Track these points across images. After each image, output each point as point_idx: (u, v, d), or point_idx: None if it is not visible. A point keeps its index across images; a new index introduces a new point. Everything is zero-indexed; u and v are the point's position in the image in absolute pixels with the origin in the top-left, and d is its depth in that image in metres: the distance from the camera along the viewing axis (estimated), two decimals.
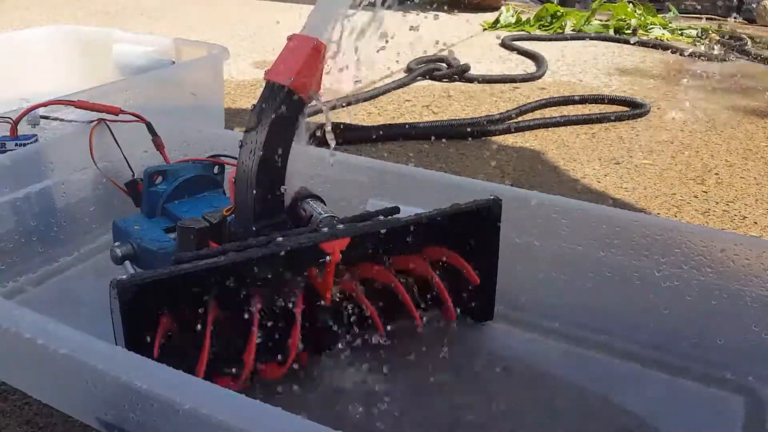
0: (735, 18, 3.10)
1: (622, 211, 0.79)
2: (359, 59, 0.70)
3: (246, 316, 0.67)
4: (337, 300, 0.72)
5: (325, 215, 0.74)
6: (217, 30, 2.54)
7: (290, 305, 0.68)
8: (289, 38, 0.71)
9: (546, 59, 2.14)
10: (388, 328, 0.75)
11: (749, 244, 0.72)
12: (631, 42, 2.41)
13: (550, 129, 1.58)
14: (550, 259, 0.81)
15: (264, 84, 0.72)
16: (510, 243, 0.80)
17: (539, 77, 2.00)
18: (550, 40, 2.52)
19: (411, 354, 0.75)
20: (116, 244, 0.83)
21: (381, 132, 1.47)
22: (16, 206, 0.86)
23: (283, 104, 0.70)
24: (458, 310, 0.78)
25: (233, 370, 0.66)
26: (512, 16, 2.77)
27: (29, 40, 1.55)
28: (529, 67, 2.13)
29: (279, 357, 0.68)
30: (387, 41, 0.70)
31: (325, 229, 0.69)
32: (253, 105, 0.72)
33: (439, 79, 1.94)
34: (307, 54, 0.70)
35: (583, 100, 1.77)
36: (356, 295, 0.73)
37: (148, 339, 0.61)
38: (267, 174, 0.72)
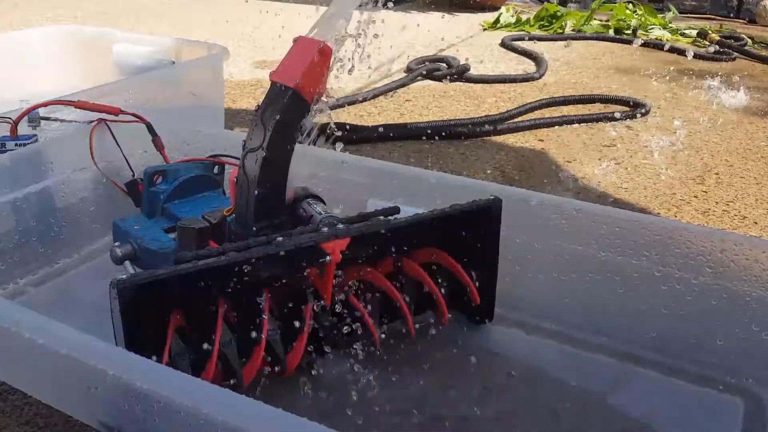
0: (730, 15, 3.10)
1: (622, 211, 0.79)
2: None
3: (245, 315, 0.67)
4: (338, 301, 0.72)
5: (325, 215, 0.74)
6: (217, 30, 2.54)
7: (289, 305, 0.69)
8: (296, 40, 0.72)
9: (546, 59, 2.14)
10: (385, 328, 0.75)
11: (749, 244, 0.72)
12: (633, 44, 2.41)
13: (550, 129, 1.58)
14: (550, 259, 0.81)
15: (268, 84, 0.72)
16: (510, 243, 0.80)
17: (539, 77, 2.00)
18: (550, 40, 2.52)
19: (411, 355, 0.75)
20: (116, 244, 0.83)
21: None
22: (16, 206, 0.86)
23: (288, 105, 0.70)
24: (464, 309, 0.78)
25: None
26: (512, 16, 2.77)
27: (29, 40, 1.55)
28: (530, 67, 2.13)
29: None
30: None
31: (325, 229, 0.69)
32: (257, 105, 0.72)
33: (439, 79, 1.94)
34: (313, 56, 0.70)
35: (582, 101, 1.77)
36: (359, 294, 0.73)
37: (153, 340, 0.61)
38: (269, 174, 0.72)
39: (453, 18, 2.94)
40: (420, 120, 1.60)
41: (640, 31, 2.60)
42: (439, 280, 0.76)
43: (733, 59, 2.30)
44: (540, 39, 2.52)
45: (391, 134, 1.47)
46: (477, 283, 0.77)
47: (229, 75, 1.89)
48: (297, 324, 0.68)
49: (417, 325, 0.75)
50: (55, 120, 0.98)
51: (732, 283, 0.72)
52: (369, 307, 0.73)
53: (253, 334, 0.66)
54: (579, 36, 2.56)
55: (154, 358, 0.57)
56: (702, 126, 1.64)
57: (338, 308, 0.71)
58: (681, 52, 2.34)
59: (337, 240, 0.68)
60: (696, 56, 2.31)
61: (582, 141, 1.51)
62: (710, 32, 2.53)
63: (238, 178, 0.73)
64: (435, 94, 1.82)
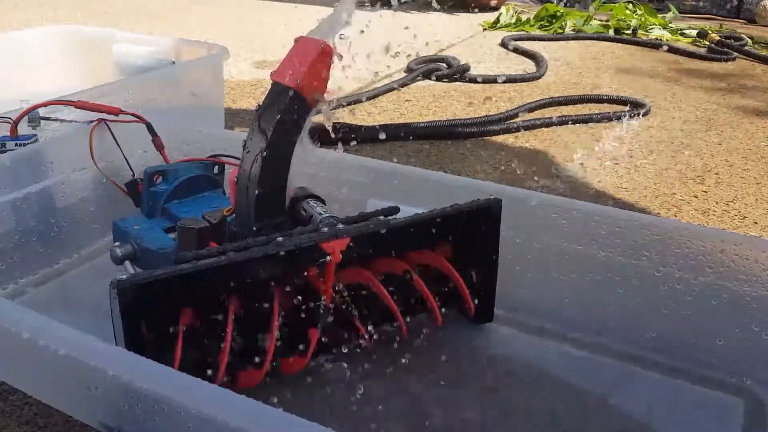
0: (730, 15, 3.10)
1: (622, 211, 0.79)
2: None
3: (245, 315, 0.67)
4: (339, 301, 0.72)
5: (325, 215, 0.74)
6: (217, 30, 2.54)
7: (290, 304, 0.68)
8: (297, 40, 0.72)
9: (546, 59, 2.14)
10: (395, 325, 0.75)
11: (749, 244, 0.72)
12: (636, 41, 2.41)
13: (550, 128, 1.58)
14: (550, 259, 0.81)
15: (269, 84, 0.72)
16: (510, 243, 0.80)
17: (539, 77, 2.00)
18: (550, 40, 2.52)
19: (411, 355, 0.75)
20: (116, 244, 0.83)
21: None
22: (16, 206, 0.86)
23: (289, 106, 0.70)
24: (467, 308, 0.78)
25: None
26: (512, 16, 2.77)
27: (29, 40, 1.55)
28: (530, 66, 2.13)
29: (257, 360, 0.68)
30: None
31: (325, 229, 0.69)
32: (258, 105, 0.72)
33: (439, 79, 1.94)
34: (315, 56, 0.70)
35: (582, 101, 1.77)
36: (375, 289, 0.73)
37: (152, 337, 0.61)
38: (270, 174, 0.72)
39: (453, 18, 2.94)
40: (420, 120, 1.60)
41: (640, 31, 2.60)
42: (439, 280, 0.77)
43: (733, 59, 2.30)
44: (542, 39, 2.52)
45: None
46: (475, 279, 0.77)
47: (229, 75, 1.89)
48: (301, 347, 0.68)
49: (407, 321, 0.75)
50: (55, 120, 0.98)
51: (732, 283, 0.72)
52: (366, 310, 0.73)
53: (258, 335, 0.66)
54: (579, 36, 2.56)
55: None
56: (702, 126, 1.64)
57: (342, 306, 0.72)
58: (680, 52, 2.34)
59: (337, 240, 0.68)
60: (695, 56, 2.31)
61: (582, 141, 1.51)
62: (710, 32, 2.53)
63: (238, 178, 0.73)
64: (435, 94, 1.82)
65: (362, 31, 0.71)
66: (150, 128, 0.97)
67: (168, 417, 0.51)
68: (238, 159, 0.75)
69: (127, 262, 0.82)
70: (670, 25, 2.71)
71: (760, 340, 0.72)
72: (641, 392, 0.72)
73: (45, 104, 0.97)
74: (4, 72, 1.45)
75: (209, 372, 0.64)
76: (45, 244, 0.89)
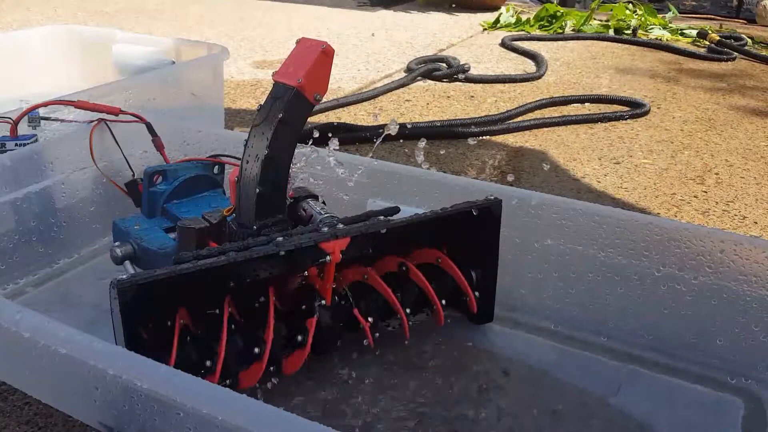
0: (730, 15, 3.10)
1: (622, 211, 0.79)
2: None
3: (246, 315, 0.67)
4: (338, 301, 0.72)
5: (325, 215, 0.74)
6: (217, 30, 2.54)
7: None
8: (298, 41, 0.72)
9: (546, 59, 2.14)
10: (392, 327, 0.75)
11: (749, 244, 0.72)
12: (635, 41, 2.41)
13: (550, 128, 1.58)
14: (550, 259, 0.81)
15: (268, 84, 0.72)
16: (510, 243, 0.80)
17: (539, 77, 2.00)
18: (550, 40, 2.52)
19: (411, 355, 0.75)
20: (116, 244, 0.83)
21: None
22: (16, 206, 0.86)
23: (290, 105, 0.70)
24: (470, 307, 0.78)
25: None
26: (512, 16, 2.77)
27: (29, 40, 1.55)
28: (530, 67, 2.13)
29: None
30: None
31: (325, 229, 0.69)
32: (260, 105, 0.72)
33: (439, 79, 1.94)
34: (316, 57, 0.70)
35: (582, 101, 1.77)
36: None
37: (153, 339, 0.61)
38: (271, 173, 0.72)
39: (453, 18, 2.94)
40: (420, 120, 1.60)
41: (640, 31, 2.60)
42: (440, 280, 0.77)
43: (733, 59, 2.30)
44: (542, 39, 2.52)
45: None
46: (476, 281, 0.77)
47: (229, 75, 1.89)
48: (300, 337, 0.68)
49: (410, 323, 0.75)
50: (55, 120, 0.98)
51: (732, 283, 0.72)
52: (363, 306, 0.73)
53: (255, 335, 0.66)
54: (579, 36, 2.56)
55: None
56: (702, 126, 1.64)
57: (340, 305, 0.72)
58: (680, 52, 2.34)
59: (337, 240, 0.68)
60: (695, 56, 2.31)
61: (582, 141, 1.51)
62: (710, 32, 2.53)
63: (239, 177, 0.74)
64: (435, 94, 1.82)
65: None
66: (150, 128, 0.97)
67: (168, 417, 0.51)
68: (238, 159, 0.75)
69: (127, 262, 0.82)
70: (670, 25, 2.71)
71: (760, 340, 0.72)
72: (641, 392, 0.72)
73: (45, 104, 0.97)
74: (4, 72, 1.45)
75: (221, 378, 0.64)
76: (45, 244, 0.89)
